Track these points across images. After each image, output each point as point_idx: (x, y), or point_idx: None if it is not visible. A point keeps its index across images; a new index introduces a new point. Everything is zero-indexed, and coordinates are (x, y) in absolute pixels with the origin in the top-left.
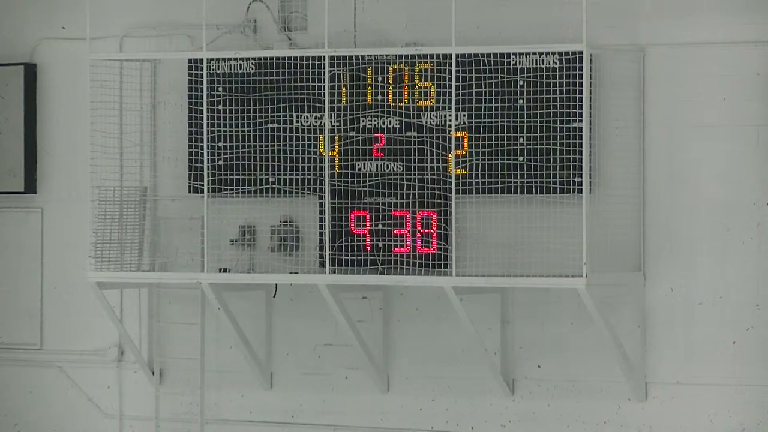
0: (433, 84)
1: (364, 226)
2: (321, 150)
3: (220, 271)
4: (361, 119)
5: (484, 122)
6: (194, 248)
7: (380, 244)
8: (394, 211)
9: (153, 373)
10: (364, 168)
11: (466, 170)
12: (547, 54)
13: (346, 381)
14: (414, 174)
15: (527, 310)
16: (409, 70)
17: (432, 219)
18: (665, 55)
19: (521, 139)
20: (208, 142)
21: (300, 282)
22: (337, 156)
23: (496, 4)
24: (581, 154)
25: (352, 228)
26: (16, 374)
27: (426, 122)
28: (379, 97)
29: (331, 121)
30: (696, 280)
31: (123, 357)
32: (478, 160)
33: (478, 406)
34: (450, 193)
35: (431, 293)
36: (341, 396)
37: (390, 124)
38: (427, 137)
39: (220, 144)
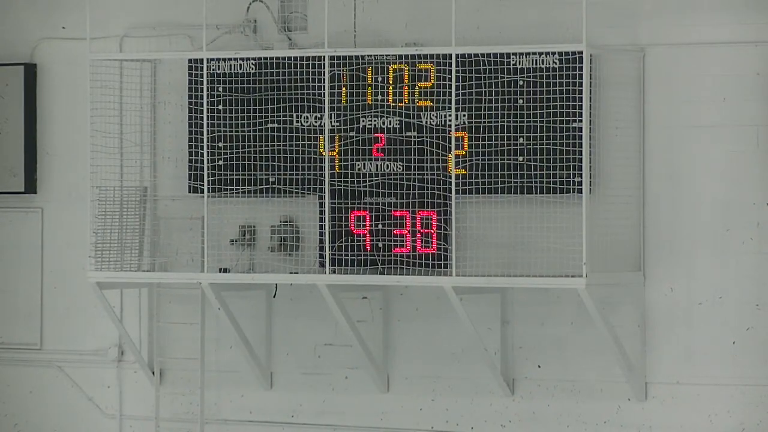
0: (434, 84)
1: (364, 226)
2: (321, 150)
3: (220, 271)
4: (361, 119)
5: (484, 122)
6: (194, 248)
7: (380, 244)
8: (394, 211)
9: (153, 373)
10: (364, 168)
11: (466, 170)
12: (547, 54)
13: (346, 381)
14: (414, 174)
15: (527, 310)
16: (409, 70)
17: (432, 219)
18: (665, 55)
19: (521, 139)
20: (208, 142)
21: (300, 282)
22: (337, 156)
23: (496, 4)
24: (581, 154)
25: (352, 228)
26: (16, 374)
27: (426, 122)
28: (379, 97)
29: (331, 121)
30: (696, 280)
31: (123, 357)
32: (478, 160)
33: (478, 406)
34: (450, 193)
35: (431, 293)
36: (341, 396)
37: (390, 124)
38: (427, 137)
39: (220, 144)
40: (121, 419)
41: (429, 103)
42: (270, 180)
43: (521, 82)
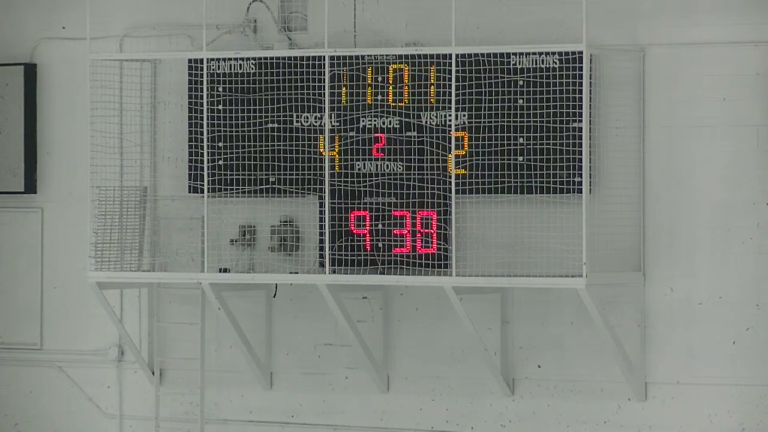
0: (434, 84)
1: (364, 226)
2: (321, 150)
3: (220, 271)
4: (361, 119)
5: (484, 122)
6: (194, 248)
7: (380, 244)
8: (394, 211)
9: (153, 373)
10: (364, 168)
11: (466, 170)
12: (547, 54)
13: (346, 381)
14: (414, 174)
15: (527, 310)
16: (409, 70)
17: (432, 219)
18: (665, 55)
19: (521, 139)
20: (208, 142)
21: (300, 282)
22: (337, 156)
23: (496, 4)
24: (581, 154)
25: (352, 228)
26: (16, 374)
27: (426, 122)
28: (379, 97)
29: (331, 121)
30: (696, 280)
31: (123, 357)
32: (478, 160)
33: (478, 406)
34: (450, 193)
35: (431, 293)
36: (341, 396)
37: (390, 124)
38: (427, 137)
39: (220, 144)
40: (121, 419)
41: (432, 101)
42: (270, 180)
43: (521, 82)
